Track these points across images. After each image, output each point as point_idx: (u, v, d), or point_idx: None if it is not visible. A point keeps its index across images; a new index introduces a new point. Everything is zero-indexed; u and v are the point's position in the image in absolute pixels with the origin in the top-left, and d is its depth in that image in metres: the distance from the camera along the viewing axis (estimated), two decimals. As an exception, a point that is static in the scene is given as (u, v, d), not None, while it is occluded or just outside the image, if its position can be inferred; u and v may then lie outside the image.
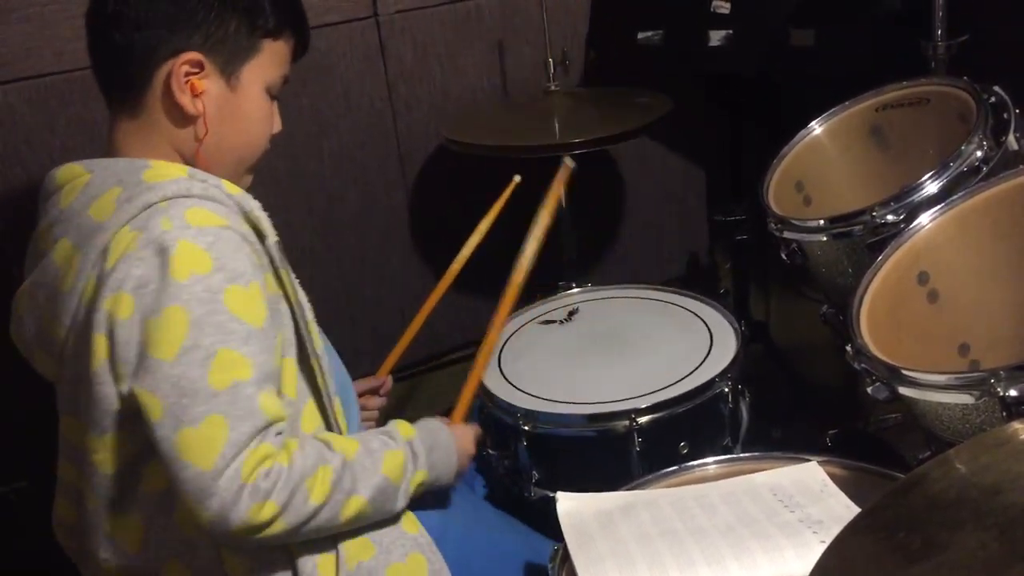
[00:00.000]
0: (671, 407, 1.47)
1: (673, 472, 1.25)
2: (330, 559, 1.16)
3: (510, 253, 1.61)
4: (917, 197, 1.35)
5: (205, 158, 1.18)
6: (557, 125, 2.01)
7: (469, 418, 1.43)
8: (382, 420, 1.48)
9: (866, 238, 1.38)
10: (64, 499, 1.24)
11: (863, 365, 1.18)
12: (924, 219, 1.33)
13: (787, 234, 1.51)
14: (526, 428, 1.51)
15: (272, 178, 2.13)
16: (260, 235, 1.14)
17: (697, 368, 1.55)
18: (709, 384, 1.51)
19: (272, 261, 1.15)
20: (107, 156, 1.17)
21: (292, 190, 2.19)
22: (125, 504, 1.14)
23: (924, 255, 1.32)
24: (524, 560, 1.31)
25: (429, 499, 1.27)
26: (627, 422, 1.45)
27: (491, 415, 1.58)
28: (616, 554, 1.05)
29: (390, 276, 2.37)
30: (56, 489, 1.25)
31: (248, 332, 1.06)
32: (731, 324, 1.67)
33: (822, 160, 1.67)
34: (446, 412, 1.42)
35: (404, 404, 2.29)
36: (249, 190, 1.22)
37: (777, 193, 1.61)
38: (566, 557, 1.09)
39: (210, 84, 1.15)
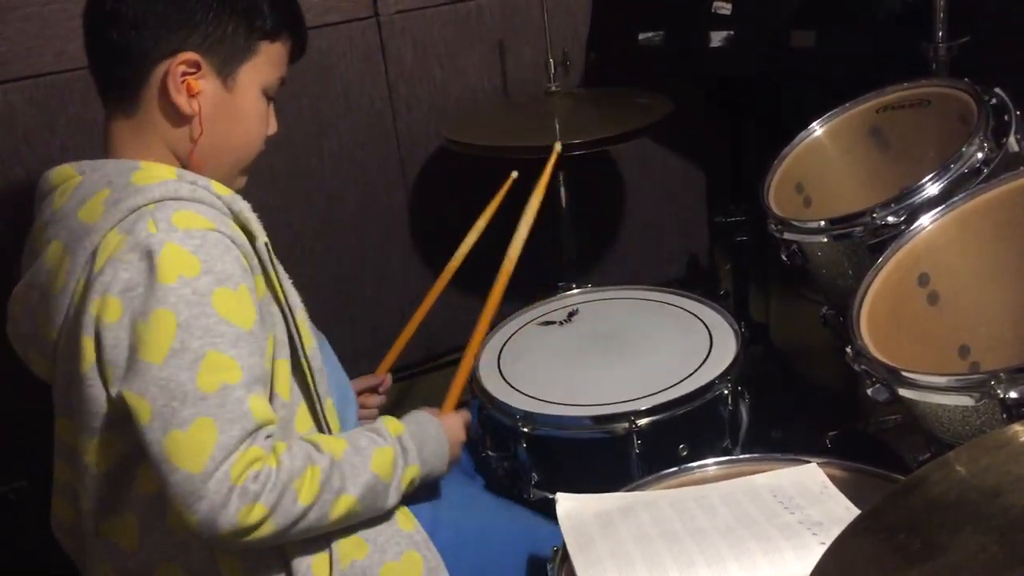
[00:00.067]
0: (671, 409, 1.47)
1: (673, 473, 1.25)
2: (324, 558, 1.16)
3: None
4: (918, 199, 1.35)
5: (199, 158, 1.18)
6: (557, 126, 2.01)
7: (460, 407, 1.44)
8: (380, 419, 1.49)
9: (866, 239, 1.37)
10: (61, 499, 1.24)
11: (863, 367, 1.18)
12: (925, 221, 1.32)
13: (787, 235, 1.51)
14: (525, 430, 1.51)
15: (272, 178, 2.13)
16: (250, 236, 1.14)
17: (697, 370, 1.55)
18: (709, 386, 1.50)
19: (262, 262, 1.14)
20: (103, 155, 1.18)
21: (292, 190, 2.19)
22: (119, 505, 1.14)
23: (925, 257, 1.32)
24: (519, 545, 1.31)
25: (421, 490, 1.27)
26: (627, 424, 1.45)
27: (490, 417, 1.58)
28: (616, 555, 1.05)
29: (390, 276, 2.37)
30: (53, 489, 1.25)
31: (237, 335, 1.05)
32: (731, 325, 1.67)
33: (823, 161, 1.67)
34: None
35: (402, 403, 2.29)
36: (248, 190, 1.22)
37: (777, 194, 1.61)
38: (566, 558, 1.09)
39: (206, 84, 1.15)
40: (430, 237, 2.40)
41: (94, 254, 1.07)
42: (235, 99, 1.18)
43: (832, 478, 1.17)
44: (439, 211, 2.36)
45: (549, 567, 1.09)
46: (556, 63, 2.15)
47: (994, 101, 1.41)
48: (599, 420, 1.48)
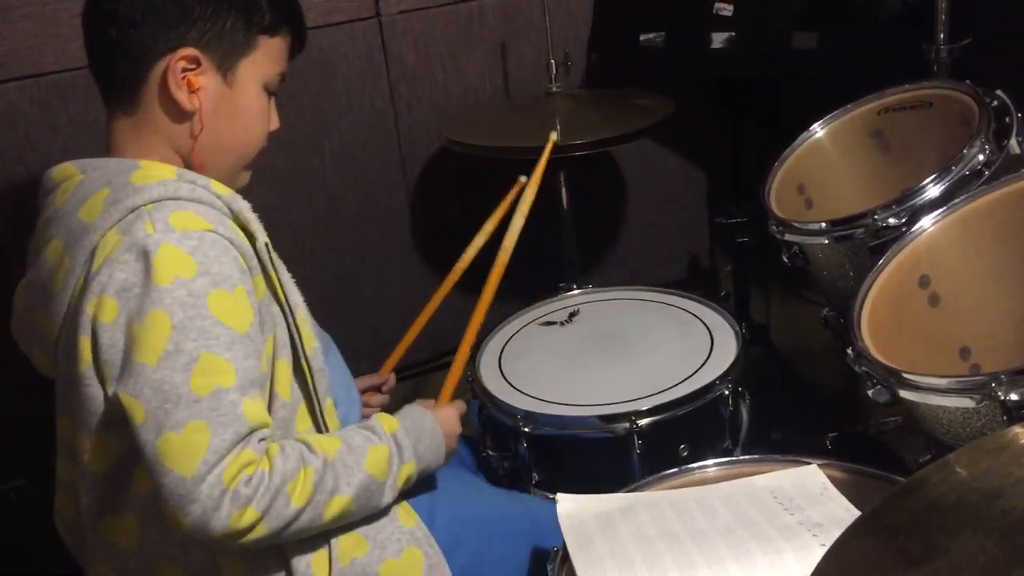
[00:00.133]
0: (671, 409, 1.47)
1: (673, 474, 1.25)
2: (323, 556, 1.16)
3: (515, 253, 1.61)
4: (919, 200, 1.35)
5: (200, 155, 1.18)
6: (559, 126, 2.01)
7: (456, 397, 1.44)
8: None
9: (868, 241, 1.38)
10: (64, 496, 1.24)
11: (864, 368, 1.18)
12: (926, 222, 1.32)
13: (788, 237, 1.51)
14: (526, 429, 1.51)
15: (273, 177, 2.13)
16: (250, 236, 1.14)
17: (698, 370, 1.55)
18: (709, 387, 1.51)
19: (262, 263, 1.14)
20: (105, 154, 1.18)
21: (293, 190, 2.19)
22: (119, 505, 1.14)
23: (925, 258, 1.32)
24: (520, 525, 1.31)
25: (419, 483, 1.27)
26: (627, 424, 1.45)
27: (491, 416, 1.58)
28: (616, 555, 1.05)
29: (390, 276, 2.38)
30: (56, 487, 1.25)
31: (232, 337, 1.05)
32: (732, 326, 1.67)
33: (824, 163, 1.67)
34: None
35: (408, 402, 2.29)
36: (248, 189, 1.22)
37: (778, 195, 1.61)
38: (566, 558, 1.09)
39: (206, 80, 1.15)
40: (431, 237, 2.40)
41: (93, 253, 1.07)
42: (236, 94, 1.18)
43: (832, 479, 1.16)
44: (440, 211, 2.36)
45: (549, 567, 1.09)
46: (557, 64, 2.15)
47: (995, 103, 1.41)
48: (600, 420, 1.48)
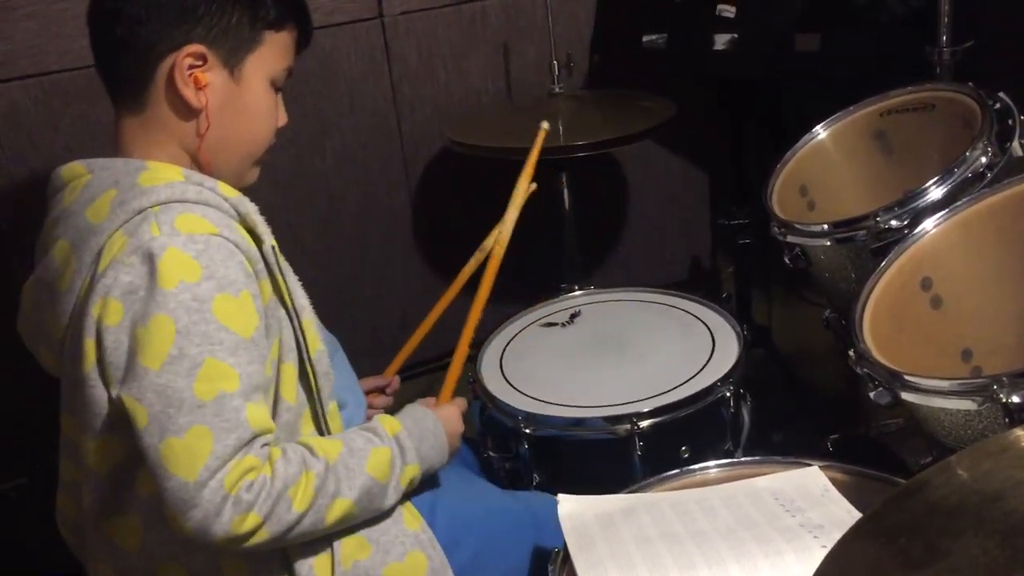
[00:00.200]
0: (673, 411, 1.47)
1: (674, 475, 1.25)
2: (326, 559, 1.15)
3: (516, 254, 1.61)
4: (921, 203, 1.35)
5: (208, 152, 1.17)
6: (561, 127, 2.01)
7: (457, 395, 1.43)
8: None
9: (870, 243, 1.38)
10: (66, 495, 1.24)
11: (865, 370, 1.18)
12: (928, 225, 1.32)
13: (790, 238, 1.51)
14: (527, 431, 1.51)
15: (274, 177, 2.13)
16: (257, 239, 1.13)
17: (699, 372, 1.55)
18: (711, 388, 1.50)
19: (268, 266, 1.14)
20: (114, 154, 1.17)
21: (294, 189, 2.19)
22: (122, 506, 1.14)
23: (928, 261, 1.32)
24: (521, 522, 1.31)
25: (421, 483, 1.26)
26: (629, 425, 1.45)
27: (492, 417, 1.58)
28: (617, 556, 1.05)
29: (391, 277, 2.38)
30: (59, 485, 1.25)
31: (236, 342, 1.05)
32: (733, 328, 1.67)
33: (826, 164, 1.67)
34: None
35: (413, 402, 2.29)
36: (252, 188, 1.22)
37: (781, 197, 1.61)
38: (567, 559, 1.09)
39: (213, 77, 1.15)
40: (432, 238, 2.40)
41: (99, 255, 1.06)
42: (243, 91, 1.17)
43: (833, 481, 1.16)
44: (442, 212, 2.37)
45: (550, 568, 1.09)
46: (560, 65, 2.15)
47: (998, 105, 1.41)
48: (601, 421, 1.48)
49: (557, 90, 2.17)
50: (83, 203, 1.11)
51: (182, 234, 1.04)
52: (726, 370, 1.54)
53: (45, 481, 1.29)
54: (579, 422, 1.49)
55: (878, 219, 1.36)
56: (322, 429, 1.20)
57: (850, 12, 1.96)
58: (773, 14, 2.04)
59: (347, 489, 1.12)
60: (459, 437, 1.33)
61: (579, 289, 1.95)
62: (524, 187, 1.62)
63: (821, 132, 1.68)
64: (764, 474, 1.20)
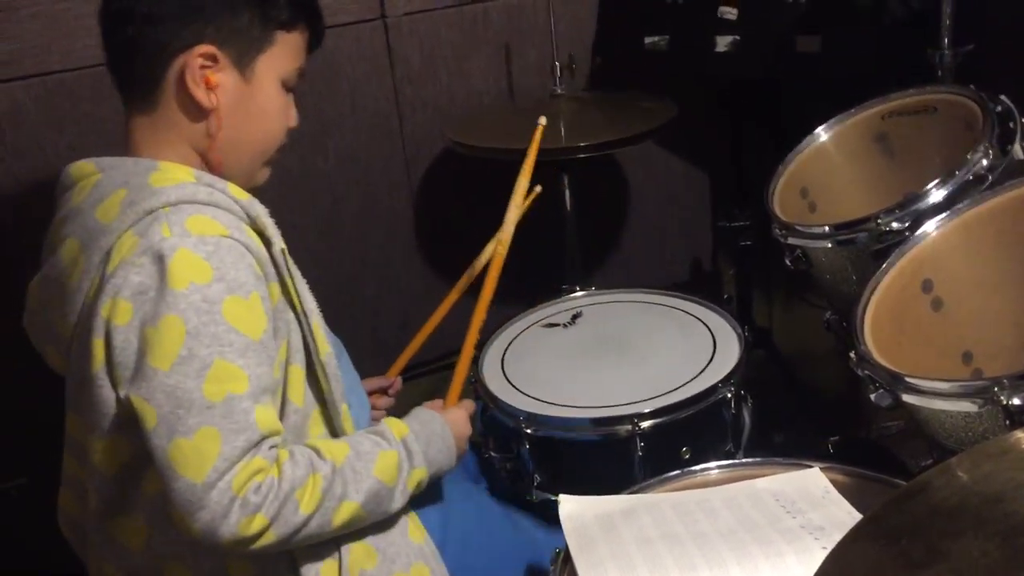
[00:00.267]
0: (674, 412, 1.47)
1: (675, 477, 1.25)
2: (333, 565, 1.15)
3: (518, 255, 1.62)
4: (922, 205, 1.35)
5: (219, 153, 1.17)
6: (562, 129, 2.01)
7: (463, 397, 1.44)
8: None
9: (871, 245, 1.38)
10: (69, 492, 1.24)
11: (866, 372, 1.18)
12: (929, 227, 1.33)
13: (791, 240, 1.51)
14: (529, 431, 1.51)
15: (275, 177, 2.11)
16: (266, 242, 1.13)
17: (700, 373, 1.55)
18: (712, 389, 1.51)
19: (278, 269, 1.14)
20: (122, 153, 1.17)
21: (296, 190, 2.19)
22: (127, 506, 1.14)
23: (928, 263, 1.32)
24: (520, 556, 1.32)
25: (429, 495, 1.27)
26: (630, 426, 1.45)
27: (494, 418, 1.58)
28: (617, 557, 1.05)
29: (392, 277, 2.38)
30: (61, 482, 1.25)
31: (246, 344, 1.05)
32: (734, 329, 1.67)
33: (827, 167, 1.67)
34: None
35: (417, 402, 2.29)
36: (257, 188, 1.22)
37: (782, 199, 1.61)
38: (568, 559, 1.09)
39: (224, 77, 1.14)
40: (433, 238, 2.40)
41: (108, 255, 1.06)
42: (254, 91, 1.17)
43: (834, 483, 1.17)
44: (443, 213, 2.37)
45: (551, 568, 1.09)
46: (561, 66, 2.15)
47: (999, 108, 1.41)
48: (602, 422, 1.48)
49: (558, 91, 2.17)
50: (92, 202, 1.11)
51: (193, 235, 1.04)
52: (727, 371, 1.54)
53: (45, 481, 1.29)
54: (580, 422, 1.49)
55: (879, 221, 1.36)
56: (337, 431, 1.20)
57: (851, 14, 1.97)
58: (774, 16, 2.04)
59: (354, 492, 1.12)
60: (467, 440, 1.33)
61: (580, 290, 1.95)
62: (524, 183, 1.62)
63: (822, 134, 1.68)
64: (765, 475, 1.21)
